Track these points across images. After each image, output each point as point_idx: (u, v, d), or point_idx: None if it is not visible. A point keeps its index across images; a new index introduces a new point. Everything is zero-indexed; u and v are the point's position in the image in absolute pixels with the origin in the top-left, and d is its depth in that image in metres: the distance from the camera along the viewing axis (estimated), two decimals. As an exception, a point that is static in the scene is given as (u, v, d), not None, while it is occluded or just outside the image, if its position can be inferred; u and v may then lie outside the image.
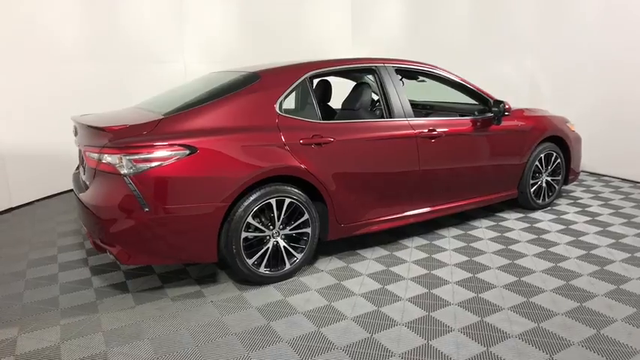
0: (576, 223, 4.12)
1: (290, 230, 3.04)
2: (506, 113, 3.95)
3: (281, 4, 7.29)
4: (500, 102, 3.89)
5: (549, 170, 4.45)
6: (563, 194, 5.05)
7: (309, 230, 3.10)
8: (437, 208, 3.74)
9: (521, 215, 4.36)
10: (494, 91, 4.32)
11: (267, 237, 2.98)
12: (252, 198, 2.83)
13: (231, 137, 2.82)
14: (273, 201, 2.91)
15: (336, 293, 2.92)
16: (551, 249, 3.56)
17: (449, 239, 3.78)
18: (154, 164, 2.61)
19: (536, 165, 4.32)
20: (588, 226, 4.02)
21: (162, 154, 2.63)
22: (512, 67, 6.68)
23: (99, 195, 2.70)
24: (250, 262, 2.90)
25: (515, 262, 3.33)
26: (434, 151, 3.59)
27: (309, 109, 3.26)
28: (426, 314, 2.64)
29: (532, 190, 4.37)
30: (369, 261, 3.40)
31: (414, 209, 3.61)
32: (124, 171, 2.58)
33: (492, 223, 4.14)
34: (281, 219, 2.98)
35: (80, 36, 5.36)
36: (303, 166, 2.99)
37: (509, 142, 4.07)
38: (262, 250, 2.95)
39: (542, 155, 4.32)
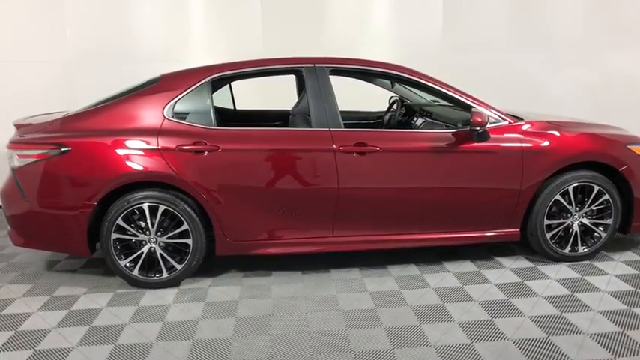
0: (596, 291, 2.85)
1: (168, 239, 2.96)
2: (477, 129, 2.97)
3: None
4: (478, 113, 2.92)
5: (587, 209, 3.22)
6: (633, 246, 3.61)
7: (189, 241, 2.96)
8: (371, 239, 3.12)
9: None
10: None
11: (144, 242, 2.96)
12: (124, 201, 2.87)
13: (107, 139, 2.87)
14: (145, 206, 2.89)
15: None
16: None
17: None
18: (31, 160, 2.88)
19: (558, 200, 3.15)
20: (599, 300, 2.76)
21: (38, 152, 2.88)
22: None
23: (4, 184, 3.11)
24: (123, 263, 2.94)
25: None
26: (364, 170, 2.99)
27: (204, 114, 3.03)
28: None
29: (551, 233, 3.22)
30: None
31: (333, 236, 3.08)
32: (12, 164, 2.96)
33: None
34: (155, 225, 2.92)
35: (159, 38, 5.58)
36: (175, 173, 2.85)
37: (496, 165, 3.06)
38: (136, 254, 2.95)
39: (570, 187, 3.14)
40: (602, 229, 3.25)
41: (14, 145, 2.98)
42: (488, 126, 3.02)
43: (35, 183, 2.90)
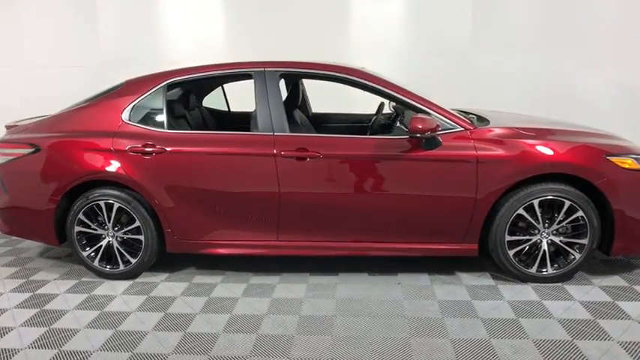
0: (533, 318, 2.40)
1: (123, 234, 3.11)
2: (417, 135, 2.75)
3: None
4: (418, 119, 2.73)
5: (558, 226, 2.86)
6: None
7: (142, 238, 3.07)
8: (318, 245, 3.03)
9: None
10: None
11: (103, 236, 3.13)
12: (84, 197, 3.08)
13: (71, 140, 3.11)
14: (102, 203, 3.07)
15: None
16: None
17: None
18: (11, 158, 3.19)
19: (522, 215, 2.83)
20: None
21: (16, 150, 3.18)
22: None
23: None
24: (85, 254, 3.16)
25: None
26: (304, 175, 2.91)
27: (158, 117, 3.13)
28: None
29: (514, 250, 2.90)
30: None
31: (277, 239, 3.05)
32: (0, 161, 3.25)
33: None
34: (111, 221, 3.10)
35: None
36: (125, 173, 2.99)
37: (447, 174, 2.83)
38: (96, 246, 3.17)
39: (535, 201, 2.80)
40: (577, 249, 2.88)
41: (4, 143, 3.30)
42: (440, 132, 2.83)
43: (14, 178, 3.25)
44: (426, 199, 2.88)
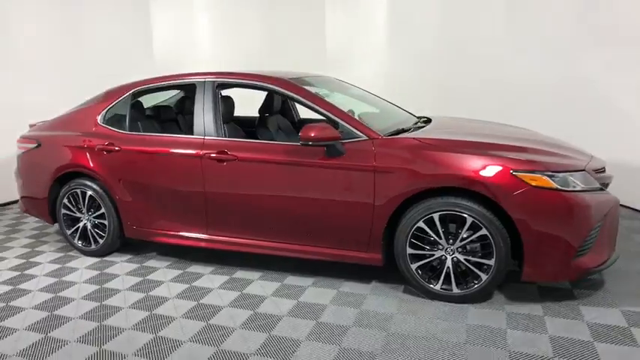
0: None
1: (94, 218, 3.69)
2: (309, 143, 2.81)
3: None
4: (309, 128, 2.81)
5: (461, 243, 2.72)
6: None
7: (106, 222, 3.64)
8: (239, 241, 3.27)
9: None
10: None
11: (81, 219, 3.74)
12: (67, 185, 3.73)
13: (60, 138, 3.78)
14: (79, 191, 3.68)
15: None
16: None
17: None
18: (24, 150, 3.97)
19: (423, 228, 2.74)
20: None
21: (27, 145, 3.95)
22: None
23: (15, 167, 4.14)
24: (68, 232, 3.81)
25: None
26: (224, 176, 3.18)
27: (122, 120, 3.65)
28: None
29: (417, 264, 2.82)
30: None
31: (206, 234, 3.38)
32: (18, 153, 4.00)
33: None
34: (85, 207, 3.70)
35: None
36: (92, 167, 3.58)
37: (345, 182, 2.87)
38: (75, 227, 3.78)
39: (435, 215, 2.70)
40: (485, 269, 2.69)
41: (19, 139, 4.07)
42: (346, 141, 2.88)
43: (25, 167, 4.02)
44: (328, 205, 2.94)
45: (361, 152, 2.86)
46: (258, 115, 3.99)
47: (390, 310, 2.75)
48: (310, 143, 2.85)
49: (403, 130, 3.15)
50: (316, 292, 3.02)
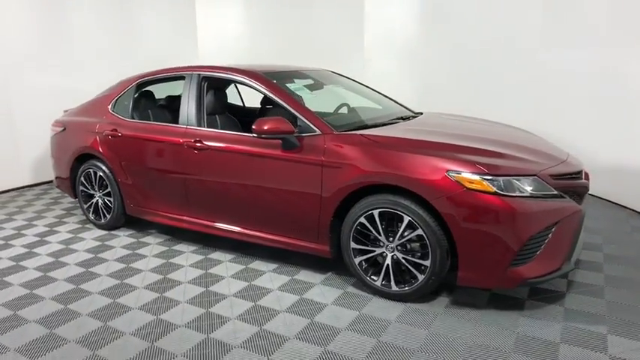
0: None
1: (103, 195, 4.14)
2: (262, 136, 3.02)
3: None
4: (260, 121, 2.96)
5: (399, 242, 2.72)
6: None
7: (112, 200, 4.06)
8: (215, 225, 3.52)
9: None
10: None
11: (94, 195, 4.21)
12: (84, 165, 4.21)
13: (79, 123, 4.27)
14: (91, 171, 4.14)
15: None
16: None
17: None
18: (54, 133, 4.51)
19: (364, 224, 2.79)
20: None
21: (57, 128, 4.48)
22: None
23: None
24: (85, 206, 4.31)
25: None
26: (199, 163, 3.43)
27: (126, 109, 4.04)
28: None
29: (359, 259, 2.86)
30: None
31: (190, 217, 3.65)
32: (50, 136, 4.58)
33: None
34: (96, 185, 4.16)
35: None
36: (101, 150, 4.02)
37: (297, 174, 3.00)
38: (90, 202, 4.27)
39: (376, 212, 2.74)
40: (423, 270, 2.66)
41: (52, 123, 4.60)
42: (301, 134, 2.99)
43: (55, 148, 4.55)
44: (283, 195, 3.08)
45: (313, 146, 2.95)
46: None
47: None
48: (263, 136, 2.99)
49: (367, 126, 3.17)
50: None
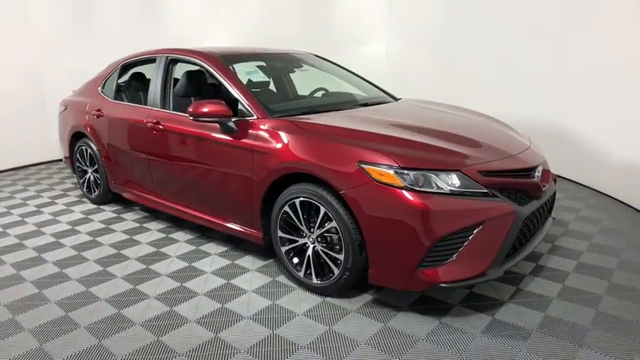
0: None
1: (94, 172, 4.40)
2: (199, 119, 2.99)
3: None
4: (194, 104, 2.92)
5: (318, 232, 2.62)
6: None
7: (98, 175, 4.36)
8: (175, 207, 3.59)
9: None
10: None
11: (87, 170, 4.51)
12: (78, 143, 4.49)
13: (75, 103, 4.58)
14: (84, 148, 4.42)
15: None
16: None
17: None
18: (60, 112, 4.83)
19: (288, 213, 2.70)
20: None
21: (61, 107, 4.81)
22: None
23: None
24: (81, 181, 4.63)
25: None
26: (156, 144, 3.54)
27: (111, 90, 4.27)
28: None
29: (285, 248, 2.79)
30: None
31: (157, 197, 3.76)
32: (58, 114, 4.92)
33: None
34: (87, 161, 4.46)
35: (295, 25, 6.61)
36: (88, 129, 4.28)
37: (230, 158, 2.98)
38: (84, 178, 4.57)
39: (297, 201, 2.64)
40: (339, 264, 2.54)
41: (60, 102, 4.87)
42: (238, 119, 2.96)
43: (60, 126, 4.86)
44: (221, 177, 3.07)
45: (247, 131, 2.91)
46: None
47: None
48: (200, 119, 2.98)
49: (313, 112, 3.06)
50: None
